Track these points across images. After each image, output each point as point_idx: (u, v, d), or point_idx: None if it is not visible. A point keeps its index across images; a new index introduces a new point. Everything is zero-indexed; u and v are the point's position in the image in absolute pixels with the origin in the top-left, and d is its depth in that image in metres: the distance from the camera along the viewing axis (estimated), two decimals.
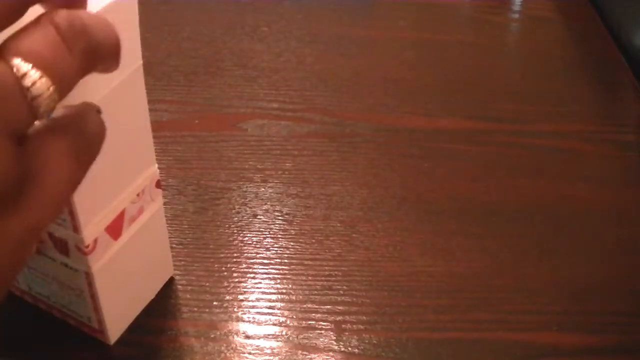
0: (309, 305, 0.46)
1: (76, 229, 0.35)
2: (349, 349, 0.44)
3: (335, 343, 0.44)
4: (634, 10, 0.79)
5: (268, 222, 0.51)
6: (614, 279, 0.50)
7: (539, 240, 0.52)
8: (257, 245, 0.50)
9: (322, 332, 0.45)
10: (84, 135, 0.22)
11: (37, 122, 0.21)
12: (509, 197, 0.55)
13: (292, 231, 0.51)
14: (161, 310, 0.45)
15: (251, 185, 0.54)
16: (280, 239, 0.50)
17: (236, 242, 0.50)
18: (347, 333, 0.45)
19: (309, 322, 0.45)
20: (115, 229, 0.38)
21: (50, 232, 0.36)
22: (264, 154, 0.57)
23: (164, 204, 0.43)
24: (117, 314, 0.42)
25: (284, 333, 0.44)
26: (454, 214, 0.53)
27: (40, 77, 0.20)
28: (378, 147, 0.59)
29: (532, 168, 0.58)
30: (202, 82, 0.63)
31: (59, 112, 0.22)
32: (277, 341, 0.44)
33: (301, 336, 0.44)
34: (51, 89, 0.20)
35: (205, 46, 0.67)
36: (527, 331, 0.46)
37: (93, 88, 0.28)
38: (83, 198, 0.34)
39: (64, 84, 0.21)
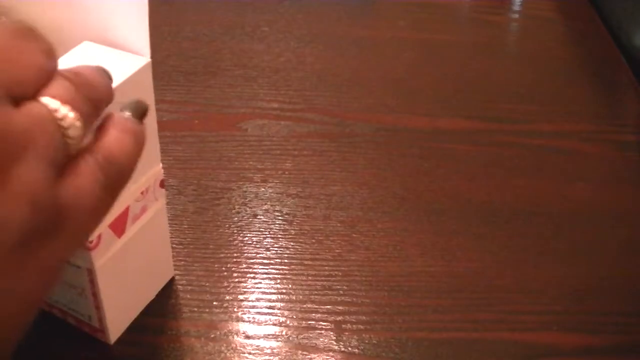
0: (309, 305, 0.46)
1: None
2: (349, 349, 0.44)
3: (335, 343, 0.44)
4: (634, 10, 0.79)
5: (268, 222, 0.51)
6: (614, 279, 0.50)
7: (539, 240, 0.52)
8: (257, 245, 0.50)
9: (322, 332, 0.45)
10: (115, 166, 0.24)
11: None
12: (509, 197, 0.55)
13: (292, 231, 0.51)
14: (161, 310, 0.45)
15: (251, 185, 0.54)
16: (280, 239, 0.50)
17: (236, 242, 0.50)
18: (347, 333, 0.45)
19: (309, 322, 0.45)
20: (119, 226, 0.38)
21: None
22: (264, 154, 0.57)
23: None
24: (118, 313, 0.42)
25: (284, 333, 0.44)
26: (454, 214, 0.53)
27: (69, 111, 0.22)
28: (378, 147, 0.59)
29: (532, 168, 0.58)
30: (202, 82, 0.63)
31: (90, 142, 0.24)
32: (277, 341, 0.44)
33: (301, 336, 0.44)
34: (79, 122, 0.23)
35: (205, 46, 0.67)
36: (527, 331, 0.46)
37: None
38: None
39: (85, 121, 0.23)
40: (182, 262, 0.48)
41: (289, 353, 0.43)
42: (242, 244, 0.50)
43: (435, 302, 0.47)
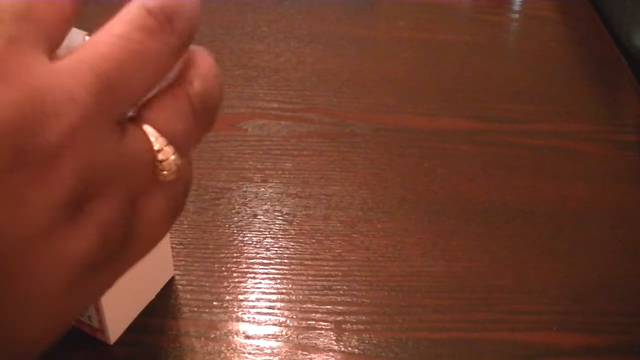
0: (309, 305, 0.46)
1: None
2: (349, 349, 0.44)
3: (335, 343, 0.44)
4: (634, 10, 0.79)
5: (268, 222, 0.51)
6: (614, 279, 0.50)
7: (539, 240, 0.52)
8: (257, 245, 0.50)
9: (322, 332, 0.45)
10: (179, 201, 0.23)
11: None
12: (509, 197, 0.55)
13: (292, 231, 0.51)
14: (161, 310, 0.45)
15: (251, 185, 0.54)
16: (280, 239, 0.50)
17: (236, 242, 0.50)
18: (347, 333, 0.45)
19: (309, 322, 0.45)
20: None
21: None
22: (264, 154, 0.57)
23: None
24: (117, 313, 0.42)
25: (284, 333, 0.44)
26: (454, 214, 0.53)
27: (173, 154, 0.21)
28: (378, 147, 0.59)
29: (532, 168, 0.58)
30: None
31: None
32: (277, 341, 0.44)
33: (301, 336, 0.44)
34: (178, 164, 0.21)
35: (205, 46, 0.67)
36: (527, 331, 0.46)
37: None
38: None
39: (186, 154, 0.22)
40: (182, 262, 0.48)
41: (289, 353, 0.43)
42: (242, 244, 0.50)
43: (435, 302, 0.47)
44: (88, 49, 0.19)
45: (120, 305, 0.42)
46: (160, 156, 0.20)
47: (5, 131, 0.17)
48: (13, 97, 0.17)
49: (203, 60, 0.23)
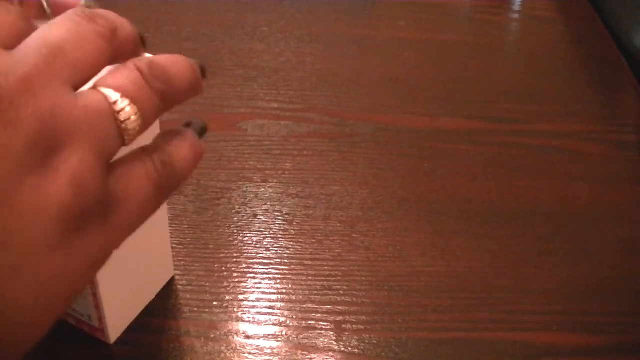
0: (309, 305, 0.46)
1: None
2: (349, 349, 0.44)
3: (335, 343, 0.44)
4: (634, 10, 0.79)
5: (268, 222, 0.51)
6: (614, 279, 0.50)
7: (539, 240, 0.52)
8: (257, 245, 0.50)
9: (322, 332, 0.45)
10: (170, 172, 0.25)
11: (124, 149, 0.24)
12: (509, 197, 0.55)
13: (292, 231, 0.51)
14: (161, 310, 0.45)
15: (251, 185, 0.54)
16: (280, 239, 0.50)
17: (236, 242, 0.50)
18: (347, 333, 0.45)
19: (309, 322, 0.45)
20: None
21: None
22: (264, 154, 0.57)
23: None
24: (117, 313, 0.42)
25: (284, 333, 0.44)
26: (454, 214, 0.53)
27: (128, 105, 0.23)
28: (378, 147, 0.59)
29: (532, 168, 0.58)
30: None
31: (153, 140, 0.25)
32: (277, 341, 0.44)
33: (301, 336, 0.44)
34: (137, 115, 0.23)
35: (205, 46, 0.67)
36: (527, 331, 0.46)
37: None
38: None
39: (146, 115, 0.24)
40: (182, 262, 0.48)
41: (289, 353, 0.43)
42: (242, 244, 0.50)
43: (435, 302, 0.47)
44: (39, 31, 0.22)
45: (120, 305, 0.42)
46: (115, 107, 0.23)
47: None
48: None
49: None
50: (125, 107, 0.23)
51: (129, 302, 0.43)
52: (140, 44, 0.26)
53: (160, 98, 0.24)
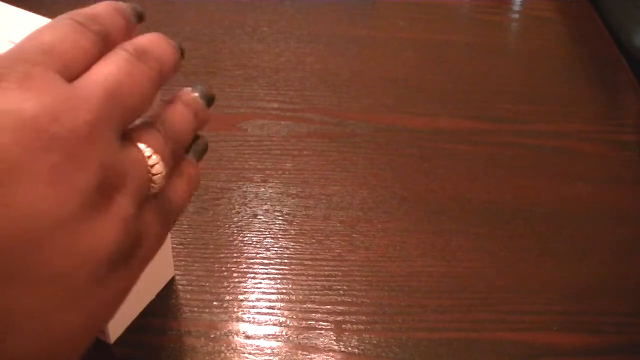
0: (309, 305, 0.46)
1: None
2: (349, 349, 0.44)
3: (335, 343, 0.44)
4: (634, 10, 0.79)
5: (268, 222, 0.51)
6: (614, 279, 0.50)
7: (539, 240, 0.52)
8: (257, 245, 0.50)
9: (322, 332, 0.45)
10: (172, 211, 0.28)
11: None
12: (509, 197, 0.55)
13: (292, 231, 0.51)
14: (161, 310, 0.45)
15: (251, 185, 0.54)
16: (280, 239, 0.50)
17: (236, 242, 0.50)
18: (347, 333, 0.45)
19: (309, 322, 0.45)
20: None
21: None
22: (264, 154, 0.57)
23: None
24: (118, 313, 0.41)
25: (284, 333, 0.44)
26: (454, 214, 0.53)
27: (159, 161, 0.26)
28: (378, 147, 0.59)
29: (532, 168, 0.58)
30: (202, 82, 0.63)
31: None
32: (277, 341, 0.44)
33: (301, 336, 0.44)
34: (165, 171, 0.26)
35: (205, 46, 0.67)
36: (527, 331, 0.46)
37: None
38: None
39: (168, 169, 0.27)
40: (182, 262, 0.48)
41: (289, 353, 0.43)
42: (242, 244, 0.50)
43: (435, 302, 0.47)
44: (93, 72, 0.24)
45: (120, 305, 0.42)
46: (152, 165, 0.25)
47: (40, 119, 0.21)
48: (44, 100, 0.22)
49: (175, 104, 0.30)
50: (157, 163, 0.26)
51: (129, 302, 0.43)
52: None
53: (173, 156, 0.27)
